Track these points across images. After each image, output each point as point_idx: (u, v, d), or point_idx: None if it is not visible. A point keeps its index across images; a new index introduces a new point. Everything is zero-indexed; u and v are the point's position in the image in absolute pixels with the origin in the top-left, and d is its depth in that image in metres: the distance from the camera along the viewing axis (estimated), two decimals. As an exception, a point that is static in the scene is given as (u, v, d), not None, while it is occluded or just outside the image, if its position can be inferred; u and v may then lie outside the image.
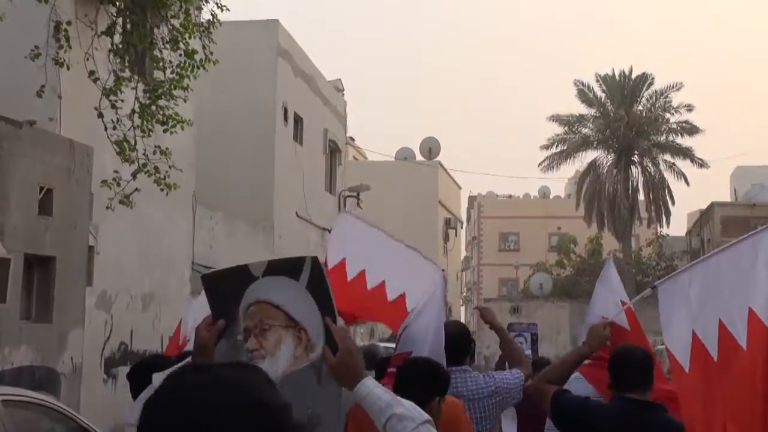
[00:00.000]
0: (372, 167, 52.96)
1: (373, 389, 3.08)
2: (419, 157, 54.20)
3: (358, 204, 31.95)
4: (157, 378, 3.09)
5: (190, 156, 19.44)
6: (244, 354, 3.27)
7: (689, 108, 51.05)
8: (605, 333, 5.37)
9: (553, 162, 52.23)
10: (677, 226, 68.72)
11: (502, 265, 73.63)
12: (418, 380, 4.47)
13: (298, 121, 26.74)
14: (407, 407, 3.01)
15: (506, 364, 7.00)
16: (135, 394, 4.86)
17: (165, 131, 12.43)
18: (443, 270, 6.40)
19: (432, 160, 53.28)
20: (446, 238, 54.50)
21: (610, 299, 5.90)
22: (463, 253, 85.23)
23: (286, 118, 25.44)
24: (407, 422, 2.95)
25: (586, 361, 5.44)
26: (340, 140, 30.92)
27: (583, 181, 51.94)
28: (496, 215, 78.76)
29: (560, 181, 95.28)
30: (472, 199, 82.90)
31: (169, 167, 12.69)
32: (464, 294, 77.01)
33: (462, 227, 61.90)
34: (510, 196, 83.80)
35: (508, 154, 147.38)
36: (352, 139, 60.27)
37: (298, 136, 26.79)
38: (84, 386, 14.30)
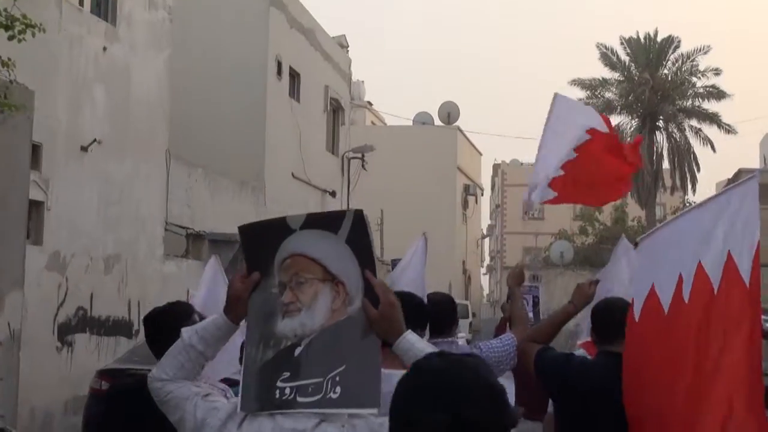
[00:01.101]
0: (389, 132, 51.87)
1: (415, 343, 3.03)
2: (438, 122, 52.62)
3: (362, 166, 30.32)
4: (186, 332, 3.26)
5: (164, 105, 17.90)
6: (279, 307, 3.16)
7: (717, 72, 48.99)
8: (590, 291, 5.43)
9: (575, 127, 50.20)
10: (705, 195, 66.74)
11: (526, 233, 71.88)
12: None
13: (294, 76, 25.12)
14: None
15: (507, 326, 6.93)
16: (152, 342, 4.45)
17: (11, 38, 10.09)
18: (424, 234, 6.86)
19: (451, 124, 51.73)
20: (465, 205, 53.06)
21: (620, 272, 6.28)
22: (488, 221, 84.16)
23: (279, 73, 23.82)
24: None
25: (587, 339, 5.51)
26: (343, 98, 29.23)
27: (606, 147, 49.93)
28: (521, 183, 76.67)
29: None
30: (496, 167, 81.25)
31: (10, 82, 10.36)
32: (488, 263, 75.61)
33: (482, 194, 60.20)
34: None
35: (532, 120, 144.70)
36: (369, 103, 58.82)
37: (294, 93, 25.18)
38: (30, 355, 12.87)
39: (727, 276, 4.16)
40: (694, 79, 49.41)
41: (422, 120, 52.82)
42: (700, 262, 4.23)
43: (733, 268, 4.15)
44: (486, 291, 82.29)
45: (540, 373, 5.05)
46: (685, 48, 50.02)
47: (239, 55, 22.68)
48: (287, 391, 3.08)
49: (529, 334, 5.42)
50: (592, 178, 6.70)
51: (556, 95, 6.83)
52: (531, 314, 11.20)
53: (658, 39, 50.01)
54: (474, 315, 48.85)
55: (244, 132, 22.52)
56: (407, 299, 4.09)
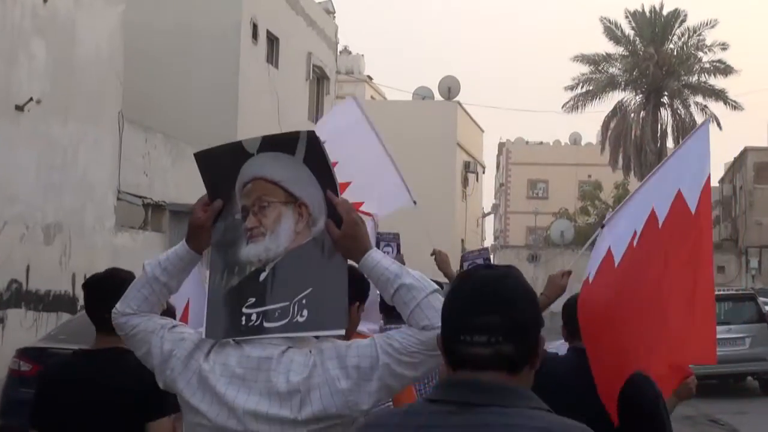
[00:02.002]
0: (388, 106, 50.81)
1: (380, 260, 2.95)
2: (438, 97, 51.17)
3: (349, 137, 28.94)
4: (149, 264, 3.18)
5: (117, 65, 16.53)
6: (242, 233, 3.06)
7: (724, 47, 47.35)
8: (563, 282, 5.42)
9: (577, 103, 48.97)
10: (713, 176, 64.76)
11: (530, 213, 70.50)
12: None
13: (273, 40, 23.72)
14: (416, 277, 2.89)
15: None
16: (93, 310, 4.20)
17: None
18: (414, 202, 6.65)
19: (451, 99, 50.22)
20: (465, 183, 51.60)
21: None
22: (493, 200, 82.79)
23: (255, 36, 22.41)
24: (416, 292, 2.85)
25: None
26: (328, 67, 27.79)
27: (608, 124, 48.51)
28: (525, 162, 75.51)
29: (593, 128, 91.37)
30: (501, 146, 79.62)
31: None
32: (492, 243, 74.28)
33: (483, 172, 58.62)
34: (541, 143, 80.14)
35: (537, 96, 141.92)
36: (369, 77, 57.42)
37: (272, 58, 23.78)
38: (-48, 329, 11.63)
39: (673, 209, 4.33)
40: (701, 53, 47.92)
41: (422, 94, 51.37)
42: (652, 206, 4.39)
43: (681, 201, 4.31)
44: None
45: None
46: (691, 22, 48.60)
47: (211, 16, 21.32)
48: (253, 317, 2.98)
49: None
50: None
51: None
52: None
53: (664, 12, 48.47)
54: None
55: (215, 98, 21.18)
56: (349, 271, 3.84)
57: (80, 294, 15.10)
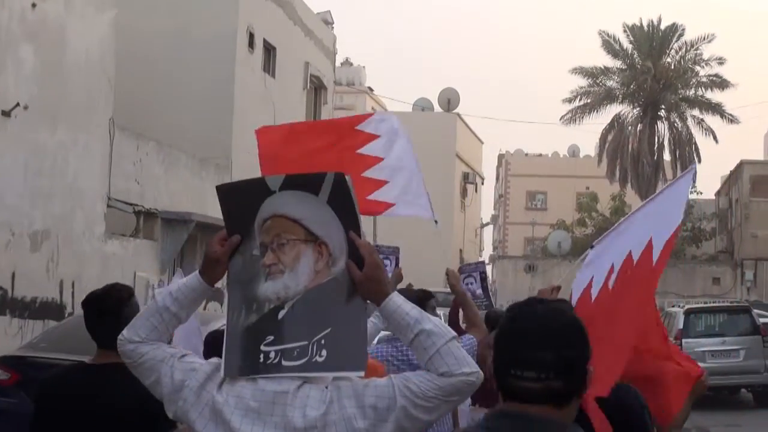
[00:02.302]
0: None
1: (401, 305, 2.84)
2: (438, 109, 50.70)
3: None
4: (160, 294, 3.08)
5: (108, 72, 16.13)
6: (260, 269, 2.94)
7: (720, 61, 46.80)
8: (551, 297, 4.91)
9: (575, 115, 48.45)
10: (709, 188, 64.42)
11: (528, 224, 70.02)
12: None
13: (270, 50, 23.31)
14: (436, 323, 2.80)
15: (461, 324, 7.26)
16: (92, 327, 4.20)
17: None
18: (436, 222, 6.95)
19: (451, 111, 49.75)
20: (464, 193, 51.12)
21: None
22: (492, 211, 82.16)
23: (251, 45, 22.00)
24: (436, 338, 2.75)
25: None
26: (326, 77, 27.37)
27: (606, 137, 47.99)
28: (524, 173, 74.87)
29: (592, 140, 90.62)
30: (500, 157, 78.99)
31: None
32: (491, 253, 73.77)
33: (482, 183, 58.15)
34: (540, 155, 79.61)
35: (537, 108, 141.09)
36: (370, 89, 56.99)
37: (269, 67, 23.36)
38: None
39: (642, 256, 4.40)
40: (698, 68, 47.34)
41: (422, 105, 50.90)
42: (630, 251, 4.43)
43: (649, 248, 4.37)
44: (490, 280, 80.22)
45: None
46: (689, 36, 48.03)
47: (207, 24, 20.89)
48: (272, 354, 2.87)
49: (487, 341, 5.32)
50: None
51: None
52: (480, 289, 10.95)
53: (662, 27, 47.93)
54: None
55: (211, 106, 20.75)
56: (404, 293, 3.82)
57: (68, 301, 14.69)
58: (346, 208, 2.91)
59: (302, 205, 2.92)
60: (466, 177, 50.95)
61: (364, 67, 52.34)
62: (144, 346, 3.03)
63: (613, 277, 4.44)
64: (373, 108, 55.82)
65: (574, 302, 4.44)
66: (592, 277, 4.50)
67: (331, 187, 2.89)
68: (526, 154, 79.70)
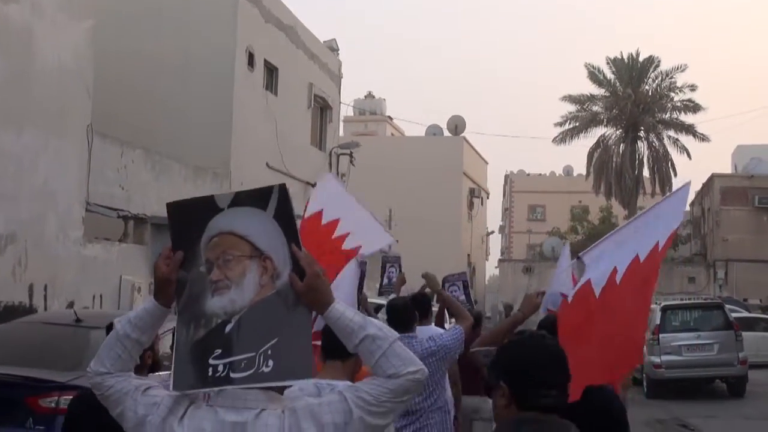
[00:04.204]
0: (405, 142, 48.85)
1: (344, 312, 2.46)
2: (446, 134, 48.20)
3: (351, 162, 25.65)
4: (119, 323, 2.57)
5: (85, 79, 13.40)
6: (207, 285, 2.48)
7: (692, 88, 44.00)
8: (537, 301, 5.04)
9: (565, 137, 45.62)
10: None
11: (530, 232, 68.01)
12: (337, 341, 2.98)
13: (272, 69, 20.54)
14: (379, 326, 2.45)
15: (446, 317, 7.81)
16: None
17: None
18: (396, 240, 7.22)
19: (458, 135, 47.19)
20: (471, 206, 48.50)
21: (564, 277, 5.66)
22: (499, 222, 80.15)
23: (252, 64, 19.22)
24: (381, 341, 2.41)
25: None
26: (331, 98, 24.46)
27: (592, 155, 45.14)
28: (526, 190, 73.47)
29: (584, 161, 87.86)
30: (506, 177, 77.06)
31: None
32: (498, 257, 71.71)
33: (488, 197, 55.41)
34: (540, 174, 77.85)
35: (536, 128, 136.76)
36: (390, 118, 54.52)
37: (271, 86, 20.59)
38: None
39: (650, 257, 4.30)
40: (672, 94, 44.42)
41: (433, 131, 48.71)
42: (637, 253, 4.30)
43: (656, 251, 4.31)
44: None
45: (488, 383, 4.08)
46: (664, 66, 45.27)
47: (207, 43, 18.19)
48: (220, 368, 2.42)
49: (482, 340, 4.88)
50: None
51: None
52: (463, 296, 10.80)
53: (640, 59, 45.03)
54: (476, 302, 44.75)
55: (210, 120, 18.02)
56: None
57: (39, 304, 11.91)
58: (288, 220, 2.47)
59: (249, 222, 2.47)
60: (472, 192, 48.51)
61: (384, 99, 49.77)
62: (110, 379, 2.52)
63: (620, 276, 4.29)
64: (392, 133, 53.40)
65: (570, 297, 4.36)
66: (590, 279, 4.34)
67: (277, 201, 2.47)
68: (528, 174, 78.34)
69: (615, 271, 4.26)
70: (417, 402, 5.56)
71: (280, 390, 2.50)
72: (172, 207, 2.59)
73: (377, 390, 2.38)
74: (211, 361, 2.43)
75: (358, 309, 6.16)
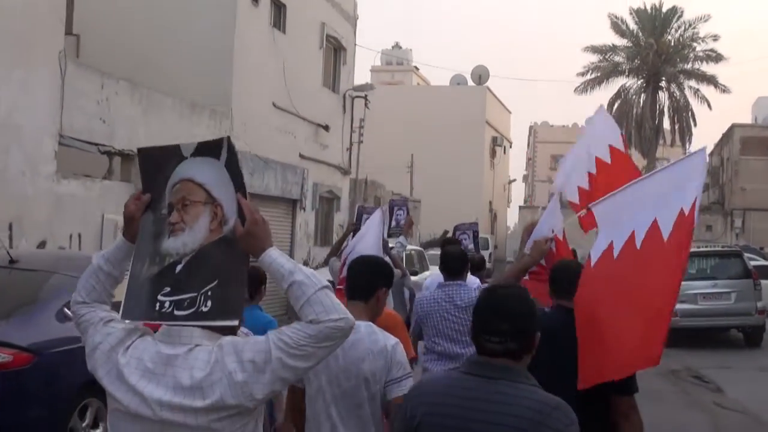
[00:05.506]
0: (430, 91, 46.62)
1: (276, 258, 2.42)
2: (471, 83, 45.87)
3: (365, 105, 23.65)
4: (95, 256, 2.64)
5: (58, 9, 11.55)
6: (167, 227, 2.53)
7: (715, 38, 41.15)
8: (545, 247, 4.73)
9: (587, 87, 43.02)
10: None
11: (552, 181, 65.69)
12: (362, 275, 3.63)
13: (279, 6, 18.51)
14: (307, 274, 2.39)
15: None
16: None
17: None
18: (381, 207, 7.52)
19: (481, 85, 44.86)
20: (493, 154, 46.37)
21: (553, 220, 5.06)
22: (523, 171, 78.01)
23: (256, 0, 17.24)
24: (306, 288, 2.36)
25: (526, 277, 4.71)
26: (345, 39, 22.33)
27: (612, 105, 42.57)
28: (549, 140, 71.04)
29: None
30: (531, 128, 74.69)
31: None
32: (520, 204, 70.05)
33: (510, 146, 53.13)
34: (562, 126, 75.20)
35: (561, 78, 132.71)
36: (416, 68, 52.21)
37: (279, 23, 18.58)
38: None
39: (677, 225, 3.69)
40: (695, 44, 41.40)
41: (457, 81, 46.50)
42: (655, 218, 3.73)
43: (682, 218, 3.66)
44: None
45: None
46: (688, 16, 42.65)
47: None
48: (167, 304, 2.45)
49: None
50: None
51: (600, 107, 5.60)
52: (471, 244, 10.49)
53: (664, 9, 42.04)
54: (496, 247, 43.14)
55: (209, 57, 16.10)
56: (378, 262, 3.86)
57: (6, 241, 10.36)
58: (236, 170, 2.46)
59: (206, 170, 2.48)
60: (494, 140, 46.33)
61: (410, 49, 47.41)
62: (84, 308, 2.58)
63: (639, 238, 3.71)
64: (418, 83, 51.12)
65: (593, 260, 3.91)
66: (612, 241, 3.85)
67: (227, 150, 2.46)
68: (551, 126, 75.76)
69: (633, 234, 3.79)
70: (458, 350, 5.54)
71: (223, 330, 2.42)
72: (142, 154, 2.62)
73: (298, 334, 2.34)
74: (159, 297, 2.46)
75: (383, 254, 6.46)
